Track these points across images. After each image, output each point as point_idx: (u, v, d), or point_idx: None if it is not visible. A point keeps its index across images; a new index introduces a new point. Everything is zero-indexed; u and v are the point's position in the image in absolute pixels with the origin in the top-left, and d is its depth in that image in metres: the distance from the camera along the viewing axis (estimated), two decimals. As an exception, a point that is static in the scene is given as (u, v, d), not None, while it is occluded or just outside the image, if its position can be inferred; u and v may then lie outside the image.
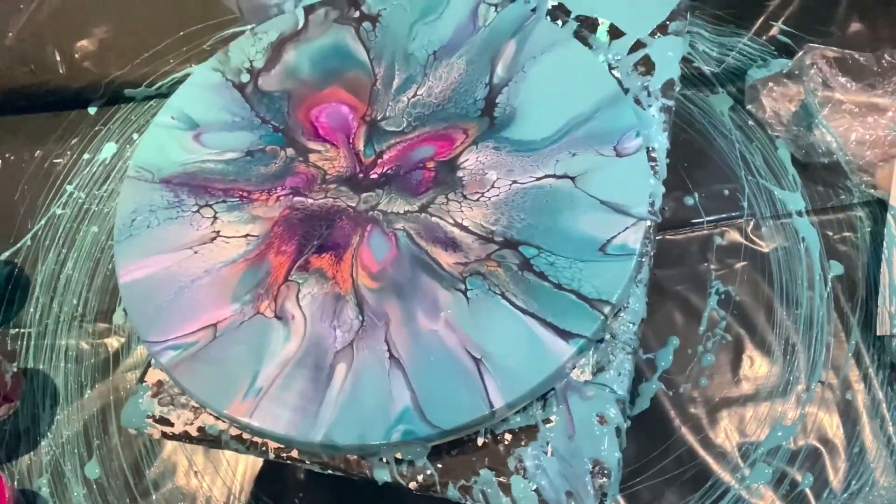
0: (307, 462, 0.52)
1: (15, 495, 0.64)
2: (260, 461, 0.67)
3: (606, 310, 0.50)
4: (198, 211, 0.58)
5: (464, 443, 0.51)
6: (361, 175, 0.59)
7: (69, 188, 0.83)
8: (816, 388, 0.65)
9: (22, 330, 0.76)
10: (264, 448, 0.53)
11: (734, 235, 0.72)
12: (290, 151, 0.60)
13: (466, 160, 0.58)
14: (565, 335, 0.50)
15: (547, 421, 0.51)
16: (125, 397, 0.71)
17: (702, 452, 0.64)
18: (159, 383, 0.56)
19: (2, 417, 0.69)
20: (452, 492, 0.50)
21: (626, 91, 0.61)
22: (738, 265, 0.70)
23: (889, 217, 0.69)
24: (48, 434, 0.70)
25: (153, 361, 0.56)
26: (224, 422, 0.53)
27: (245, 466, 0.67)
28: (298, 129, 0.62)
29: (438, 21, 0.64)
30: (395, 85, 0.62)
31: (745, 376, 0.66)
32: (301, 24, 0.66)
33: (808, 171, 0.74)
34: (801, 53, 0.76)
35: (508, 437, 0.51)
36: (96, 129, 0.86)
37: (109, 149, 0.85)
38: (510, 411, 0.50)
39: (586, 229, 0.53)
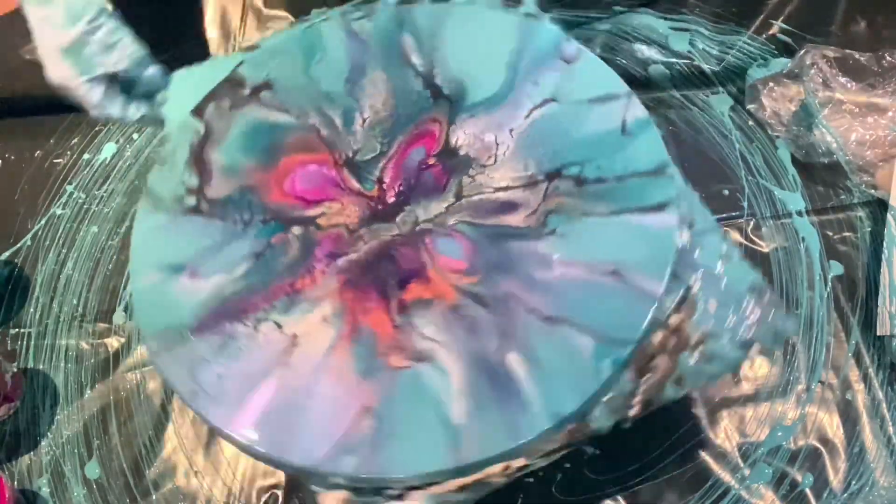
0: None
1: (15, 495, 0.64)
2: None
3: (669, 169, 0.54)
4: (256, 330, 0.53)
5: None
6: (380, 206, 0.57)
7: (69, 188, 0.83)
8: (816, 388, 0.65)
9: (22, 330, 0.76)
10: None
11: (734, 235, 0.72)
12: (297, 229, 0.57)
13: (457, 139, 0.58)
14: (660, 208, 0.52)
15: (689, 289, 0.52)
16: (125, 397, 0.71)
17: (702, 452, 0.64)
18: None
19: (2, 417, 0.69)
20: None
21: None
22: (738, 265, 0.70)
23: (889, 217, 0.69)
24: (48, 434, 0.70)
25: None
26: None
27: (245, 466, 0.67)
28: (285, 208, 0.58)
29: (326, 55, 0.63)
30: (339, 122, 0.60)
31: (746, 376, 0.66)
32: (203, 129, 0.61)
33: (808, 171, 0.74)
34: (801, 53, 0.76)
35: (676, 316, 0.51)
36: (96, 129, 0.86)
37: (109, 149, 0.85)
38: (669, 299, 0.51)
39: (598, 127, 0.56)
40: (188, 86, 0.65)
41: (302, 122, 0.60)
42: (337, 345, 0.52)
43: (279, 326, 0.53)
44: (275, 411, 0.50)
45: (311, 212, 0.57)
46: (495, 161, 0.57)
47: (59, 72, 0.61)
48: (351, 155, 0.59)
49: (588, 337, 0.49)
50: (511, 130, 0.58)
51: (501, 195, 0.56)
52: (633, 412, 0.51)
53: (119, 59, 0.62)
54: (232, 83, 0.62)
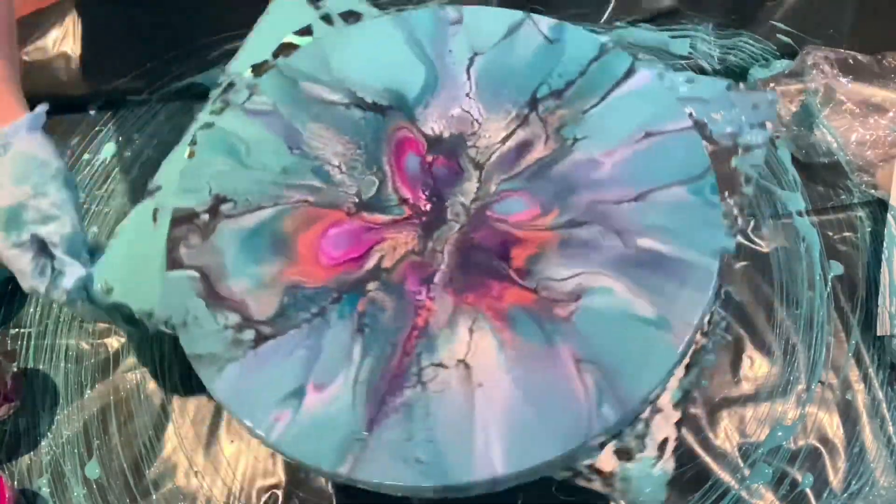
0: None
1: (15, 495, 0.64)
2: (260, 461, 0.67)
3: (608, 45, 0.62)
4: (426, 382, 0.51)
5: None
6: (424, 217, 0.57)
7: (69, 188, 0.83)
8: (816, 388, 0.65)
9: (22, 330, 0.76)
10: None
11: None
12: (372, 285, 0.54)
13: (432, 128, 0.61)
14: (630, 72, 0.60)
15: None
16: (125, 397, 0.71)
17: (702, 452, 0.64)
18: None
19: (2, 417, 0.69)
20: None
21: None
22: (739, 265, 0.70)
23: (889, 217, 0.69)
24: (48, 434, 0.70)
25: None
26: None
27: (245, 466, 0.67)
28: (342, 278, 0.55)
29: (250, 144, 0.62)
30: (320, 183, 0.59)
31: (746, 376, 0.66)
32: (197, 273, 0.57)
33: (809, 171, 0.74)
34: (802, 54, 0.76)
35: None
36: (96, 129, 0.86)
37: (109, 149, 0.85)
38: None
39: (529, 50, 0.63)
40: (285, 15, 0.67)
41: (286, 204, 0.58)
42: (506, 341, 0.51)
43: (443, 366, 0.51)
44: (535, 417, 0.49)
45: (369, 264, 0.56)
46: (479, 123, 0.60)
47: None
48: (357, 200, 0.58)
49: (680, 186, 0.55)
50: (468, 94, 0.61)
51: (510, 143, 0.59)
52: None
53: (52, 233, 0.57)
54: (183, 220, 0.58)
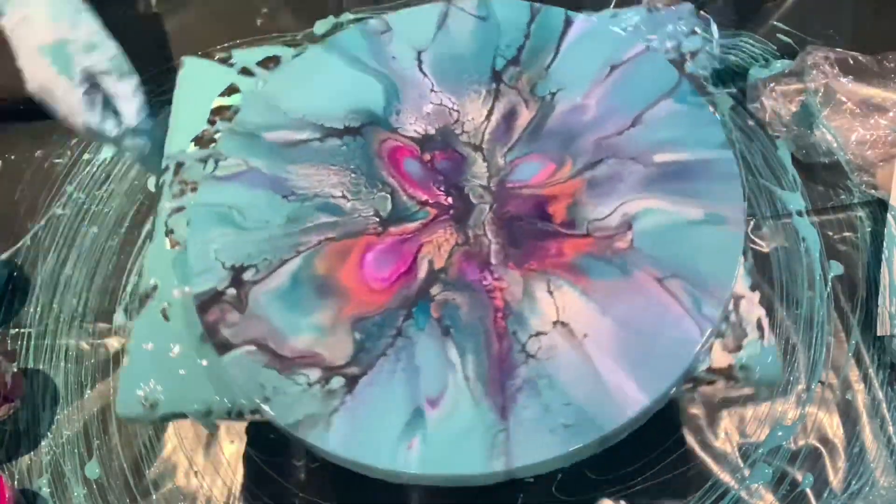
0: None
1: (15, 495, 0.64)
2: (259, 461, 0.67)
3: (569, 16, 0.65)
4: (542, 348, 0.51)
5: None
6: (451, 210, 0.57)
7: (69, 188, 0.83)
8: (816, 388, 0.65)
9: (22, 330, 0.76)
10: None
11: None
12: (436, 288, 0.54)
13: (416, 129, 0.61)
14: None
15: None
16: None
17: (702, 453, 0.64)
18: None
19: (2, 417, 0.69)
20: None
21: None
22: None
23: (889, 217, 0.69)
24: (48, 434, 0.70)
25: None
26: None
27: (245, 466, 0.67)
28: (403, 294, 0.54)
29: (242, 209, 0.59)
30: (333, 218, 0.57)
31: (746, 376, 0.66)
32: (252, 347, 0.53)
33: (809, 171, 0.74)
34: (802, 54, 0.76)
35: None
36: (96, 128, 0.86)
37: (109, 149, 0.85)
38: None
39: (465, 26, 0.66)
40: (199, 75, 0.65)
41: (309, 249, 0.56)
42: (586, 288, 0.53)
43: (542, 333, 0.51)
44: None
45: (421, 272, 0.55)
46: (456, 111, 0.61)
47: (39, 74, 0.59)
48: (379, 218, 0.58)
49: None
50: (432, 90, 0.62)
51: (494, 117, 0.61)
52: None
53: (99, 60, 0.60)
54: (210, 303, 0.54)
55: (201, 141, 0.63)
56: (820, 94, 0.74)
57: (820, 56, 0.75)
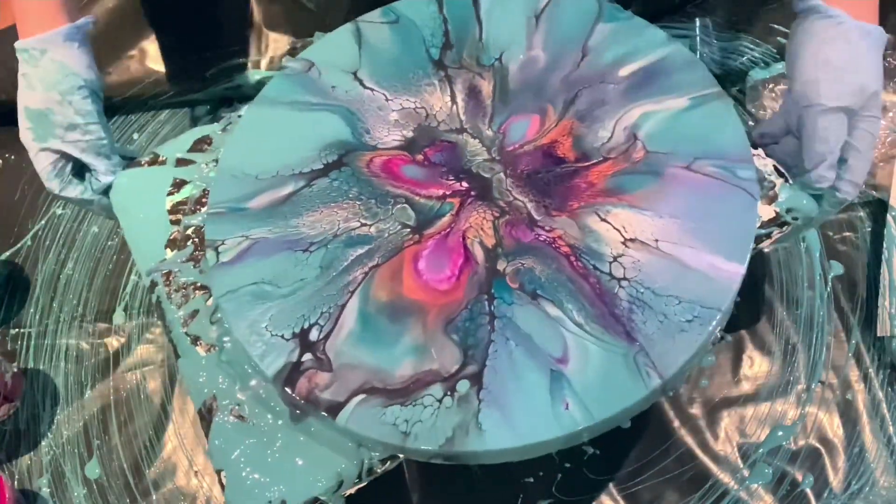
0: None
1: (15, 495, 0.64)
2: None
3: None
4: (613, 291, 0.51)
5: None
6: (473, 192, 0.57)
7: (69, 188, 0.83)
8: (816, 388, 0.65)
9: (22, 330, 0.76)
10: None
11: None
12: (501, 263, 0.54)
13: (394, 138, 0.61)
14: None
15: None
16: (125, 397, 0.71)
17: (702, 453, 0.64)
18: None
19: (2, 417, 0.69)
20: None
21: None
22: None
23: (889, 217, 0.69)
24: (48, 434, 0.70)
25: None
26: None
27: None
28: (472, 284, 0.53)
29: (260, 264, 0.57)
30: (360, 251, 0.56)
31: (746, 376, 0.66)
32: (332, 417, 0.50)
33: (809, 171, 0.74)
34: (801, 54, 0.76)
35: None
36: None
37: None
38: None
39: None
40: (137, 186, 0.63)
41: (359, 284, 0.54)
42: (633, 202, 0.54)
43: (621, 257, 0.53)
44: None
45: (478, 254, 0.54)
46: (422, 108, 0.62)
47: (20, 129, 0.61)
48: (410, 229, 0.56)
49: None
50: (387, 99, 0.62)
51: (459, 99, 0.62)
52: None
53: (76, 139, 0.60)
54: (292, 375, 0.51)
55: (176, 243, 0.60)
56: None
57: (820, 56, 0.75)
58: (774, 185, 0.56)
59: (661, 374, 0.48)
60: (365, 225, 0.57)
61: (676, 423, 0.65)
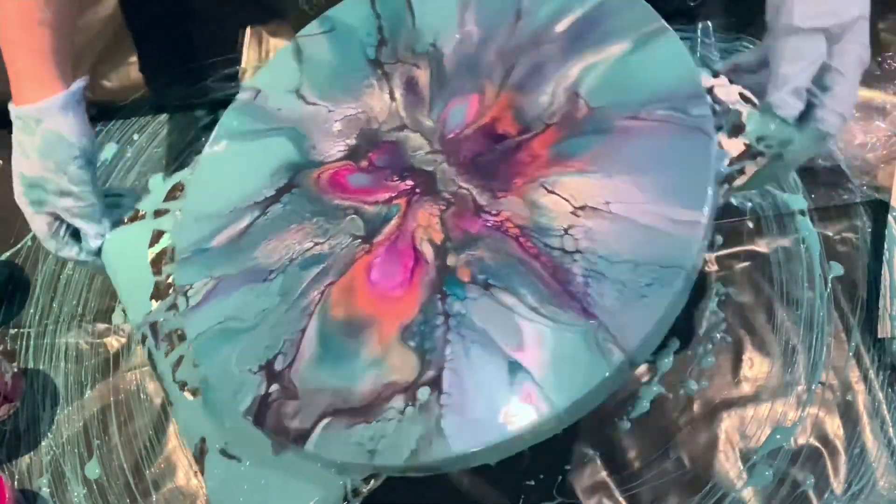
0: None
1: (15, 495, 0.64)
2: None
3: None
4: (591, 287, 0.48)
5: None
6: (418, 190, 0.55)
7: (70, 188, 0.83)
8: (817, 389, 0.65)
9: (22, 330, 0.76)
10: None
11: (735, 236, 0.72)
12: (451, 259, 0.52)
13: (346, 145, 0.60)
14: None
15: None
16: (125, 397, 0.71)
17: (702, 454, 0.64)
18: None
19: (2, 417, 0.69)
20: None
21: None
22: (739, 266, 0.70)
23: (890, 218, 0.69)
24: (48, 434, 0.70)
25: None
26: None
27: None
28: (425, 285, 0.51)
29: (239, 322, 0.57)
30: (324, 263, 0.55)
31: (746, 377, 0.66)
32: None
33: (809, 172, 0.74)
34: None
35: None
36: (96, 129, 0.86)
37: (110, 149, 0.85)
38: None
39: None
40: (122, 245, 0.64)
41: (315, 305, 0.54)
42: (581, 167, 0.51)
43: (571, 227, 0.49)
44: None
45: (428, 253, 0.53)
46: (363, 113, 0.61)
47: (16, 192, 0.62)
48: (360, 239, 0.55)
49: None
50: (329, 111, 0.61)
51: (398, 92, 0.60)
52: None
53: (69, 205, 0.62)
54: (261, 408, 0.51)
55: (160, 293, 0.61)
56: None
57: (820, 58, 0.75)
58: (741, 114, 0.51)
59: (624, 347, 0.44)
60: (318, 244, 0.56)
61: (677, 425, 0.65)
